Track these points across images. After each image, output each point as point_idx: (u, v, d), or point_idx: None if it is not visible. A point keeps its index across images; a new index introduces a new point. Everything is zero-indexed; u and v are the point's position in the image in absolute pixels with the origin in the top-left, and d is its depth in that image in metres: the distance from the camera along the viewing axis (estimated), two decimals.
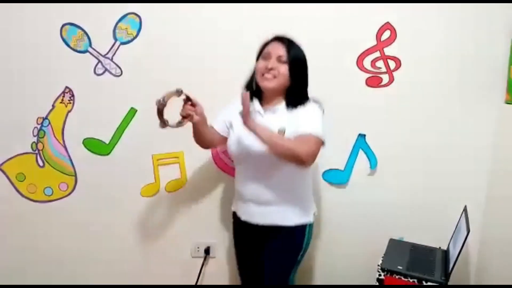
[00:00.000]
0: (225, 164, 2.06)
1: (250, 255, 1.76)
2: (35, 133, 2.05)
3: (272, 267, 1.65)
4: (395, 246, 1.88)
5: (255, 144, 1.50)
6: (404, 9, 1.86)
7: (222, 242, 2.14)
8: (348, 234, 2.07)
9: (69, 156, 2.07)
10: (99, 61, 1.99)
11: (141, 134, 2.02)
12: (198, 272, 2.14)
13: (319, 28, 1.91)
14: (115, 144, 2.06)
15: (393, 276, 1.65)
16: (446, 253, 1.82)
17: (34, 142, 2.06)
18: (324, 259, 2.11)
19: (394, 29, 1.88)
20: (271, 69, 1.55)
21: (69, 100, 2.03)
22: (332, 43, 1.92)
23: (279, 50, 1.56)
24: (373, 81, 1.94)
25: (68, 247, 2.14)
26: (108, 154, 2.07)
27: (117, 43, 1.97)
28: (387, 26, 1.89)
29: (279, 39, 1.59)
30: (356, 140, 1.98)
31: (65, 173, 2.08)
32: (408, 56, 1.90)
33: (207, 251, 2.15)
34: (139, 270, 2.17)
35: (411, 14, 1.87)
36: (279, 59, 1.55)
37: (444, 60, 1.88)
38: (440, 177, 1.96)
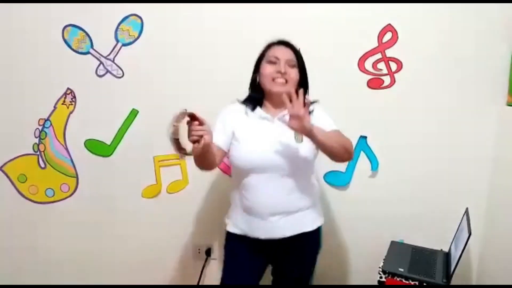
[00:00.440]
0: (226, 165, 2.06)
1: (257, 272, 1.65)
2: (37, 134, 2.06)
3: (301, 271, 1.63)
4: (396, 248, 1.88)
5: (287, 149, 1.43)
6: (406, 11, 1.86)
7: (223, 243, 2.13)
8: (349, 236, 2.07)
9: (70, 157, 2.08)
10: (101, 62, 2.00)
11: (143, 135, 2.03)
12: (199, 273, 2.14)
13: (321, 30, 1.91)
14: (117, 146, 2.06)
15: (394, 278, 1.65)
16: (447, 256, 1.81)
17: (35, 143, 2.06)
18: (325, 261, 2.09)
19: (396, 31, 1.88)
20: (284, 73, 1.48)
21: (70, 102, 2.03)
22: (333, 45, 1.91)
23: (288, 54, 1.51)
24: (375, 83, 1.94)
25: (69, 248, 2.15)
26: (109, 155, 2.07)
27: (119, 44, 1.98)
28: (389, 27, 1.88)
29: (284, 43, 1.54)
30: (358, 142, 1.98)
31: (66, 174, 2.09)
32: (409, 58, 1.89)
33: (208, 252, 2.15)
34: (140, 271, 2.17)
35: (412, 15, 1.86)
36: (288, 63, 1.50)
37: (446, 62, 1.88)
38: (441, 179, 1.95)
